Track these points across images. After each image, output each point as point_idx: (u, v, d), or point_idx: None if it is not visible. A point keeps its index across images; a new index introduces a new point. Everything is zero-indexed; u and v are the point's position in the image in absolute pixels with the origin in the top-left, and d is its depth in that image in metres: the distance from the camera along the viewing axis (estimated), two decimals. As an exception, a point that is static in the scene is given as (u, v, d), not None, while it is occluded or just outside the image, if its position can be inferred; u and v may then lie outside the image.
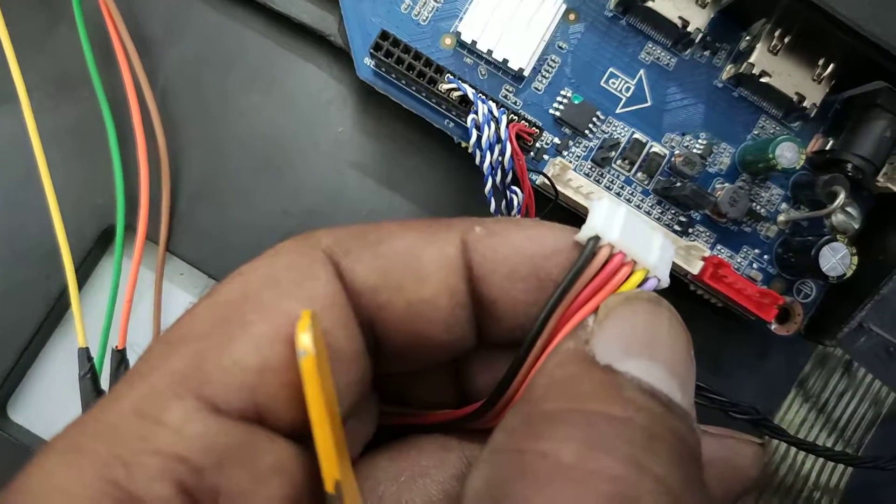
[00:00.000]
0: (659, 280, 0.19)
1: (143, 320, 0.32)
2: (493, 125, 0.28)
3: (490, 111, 0.28)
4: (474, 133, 0.28)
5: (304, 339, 0.15)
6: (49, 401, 0.32)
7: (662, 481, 0.14)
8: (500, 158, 0.28)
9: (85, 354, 0.29)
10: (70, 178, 0.32)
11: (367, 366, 0.19)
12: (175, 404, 0.15)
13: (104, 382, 0.29)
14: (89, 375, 0.29)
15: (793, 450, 0.34)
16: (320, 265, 0.18)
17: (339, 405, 0.17)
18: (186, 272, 0.33)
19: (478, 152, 0.28)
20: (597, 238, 0.19)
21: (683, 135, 0.32)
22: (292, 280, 0.17)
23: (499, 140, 0.28)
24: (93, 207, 0.32)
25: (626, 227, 0.19)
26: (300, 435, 0.17)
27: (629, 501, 0.14)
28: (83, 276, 0.32)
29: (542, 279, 0.19)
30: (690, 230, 0.32)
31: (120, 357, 0.29)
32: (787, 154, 0.29)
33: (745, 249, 0.32)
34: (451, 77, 0.29)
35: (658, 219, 0.31)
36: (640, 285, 0.19)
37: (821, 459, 0.33)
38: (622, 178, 0.31)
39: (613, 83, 0.31)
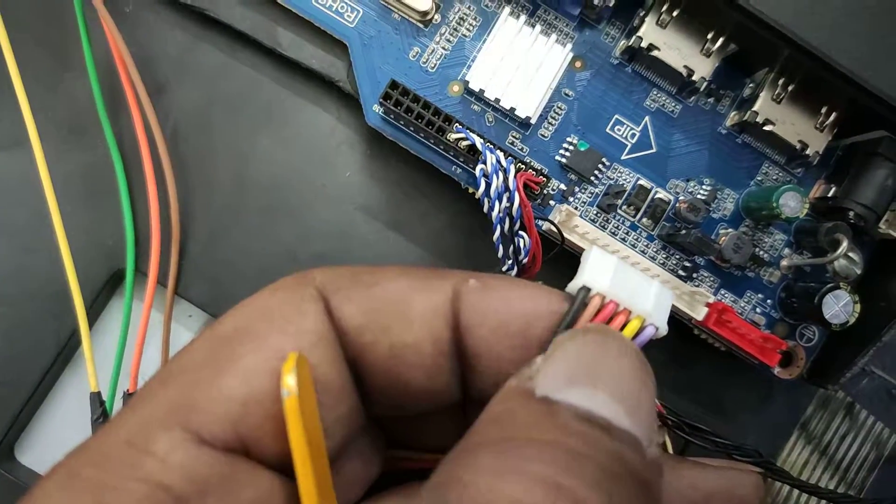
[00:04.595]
0: (657, 328, 0.19)
1: (151, 361, 0.32)
2: (501, 175, 0.28)
3: (498, 161, 0.28)
4: (483, 182, 0.28)
5: (289, 380, 0.16)
6: (57, 443, 0.33)
7: (583, 502, 0.14)
8: (508, 207, 0.28)
9: (97, 399, 0.29)
10: (80, 220, 0.32)
11: (356, 402, 0.19)
12: (162, 434, 0.16)
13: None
14: (101, 420, 0.29)
15: (795, 492, 0.34)
16: (311, 302, 0.18)
17: (329, 440, 0.17)
18: (195, 314, 0.34)
19: (486, 201, 0.28)
20: (586, 289, 0.19)
21: (688, 181, 0.32)
22: (283, 315, 0.18)
23: (507, 189, 0.28)
24: (103, 250, 0.32)
25: (616, 276, 0.19)
26: (287, 468, 0.17)
27: None
28: (92, 318, 0.33)
29: (529, 339, 0.19)
30: (695, 275, 0.32)
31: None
32: (791, 203, 0.29)
33: (748, 294, 0.32)
34: (460, 126, 0.29)
35: (663, 263, 0.32)
36: (637, 334, 0.19)
37: (824, 502, 0.34)
38: (627, 223, 0.32)
39: (619, 130, 0.32)
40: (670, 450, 0.32)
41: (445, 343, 0.19)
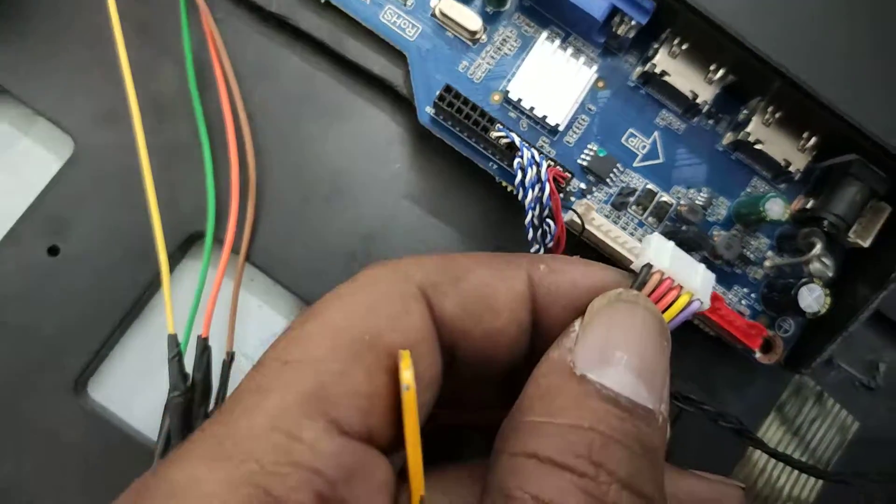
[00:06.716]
0: (702, 302, 0.23)
1: (218, 316, 0.36)
2: (534, 168, 0.33)
3: (533, 156, 0.33)
4: (519, 174, 0.33)
5: (407, 376, 0.18)
6: (126, 381, 0.37)
7: (621, 480, 0.17)
8: (539, 195, 0.33)
9: (174, 340, 0.34)
10: (165, 187, 0.36)
11: (439, 386, 0.22)
12: (308, 423, 0.17)
13: (188, 366, 0.34)
14: (177, 358, 0.33)
15: (770, 464, 0.39)
16: (414, 301, 0.21)
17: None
18: (256, 278, 0.38)
19: (521, 190, 0.33)
20: (649, 266, 0.23)
21: (688, 188, 0.37)
22: (392, 314, 0.20)
23: (539, 180, 0.33)
24: (181, 215, 0.37)
25: (674, 258, 0.23)
26: (389, 451, 0.19)
27: (595, 496, 0.17)
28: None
29: None
30: (691, 268, 0.37)
31: (203, 344, 0.34)
32: (775, 208, 0.35)
33: (735, 288, 0.37)
34: (501, 126, 0.35)
35: (664, 257, 0.37)
36: (685, 307, 0.23)
37: (794, 474, 0.38)
38: (636, 220, 0.37)
39: (632, 141, 0.37)
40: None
41: (526, 324, 0.22)
